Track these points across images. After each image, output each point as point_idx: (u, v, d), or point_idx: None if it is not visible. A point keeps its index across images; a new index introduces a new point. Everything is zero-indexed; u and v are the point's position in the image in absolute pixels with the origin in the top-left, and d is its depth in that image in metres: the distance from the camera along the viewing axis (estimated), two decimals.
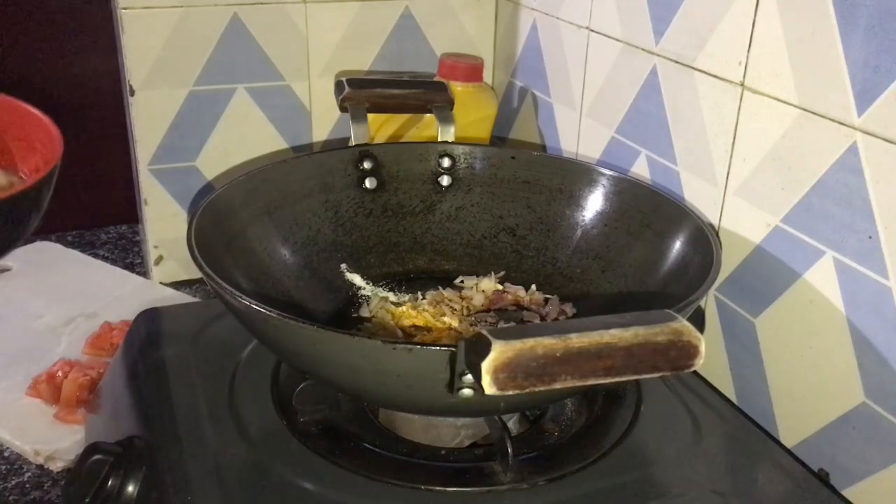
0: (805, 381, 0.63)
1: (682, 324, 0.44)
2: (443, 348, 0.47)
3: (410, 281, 0.78)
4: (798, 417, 0.64)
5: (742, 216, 0.68)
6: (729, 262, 0.69)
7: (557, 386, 0.42)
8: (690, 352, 0.44)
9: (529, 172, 0.79)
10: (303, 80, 0.99)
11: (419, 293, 0.76)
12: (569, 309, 0.73)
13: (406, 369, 0.49)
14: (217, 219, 0.66)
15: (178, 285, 1.01)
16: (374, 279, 0.77)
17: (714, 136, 0.70)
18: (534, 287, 0.76)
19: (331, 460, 0.56)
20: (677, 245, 0.68)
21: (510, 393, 0.41)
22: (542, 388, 0.41)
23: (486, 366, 0.41)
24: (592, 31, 0.85)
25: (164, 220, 0.99)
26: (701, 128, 0.71)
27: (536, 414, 0.64)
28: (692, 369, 0.44)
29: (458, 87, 0.96)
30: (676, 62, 0.73)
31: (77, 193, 1.14)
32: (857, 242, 0.58)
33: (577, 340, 0.42)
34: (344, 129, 0.98)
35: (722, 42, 0.68)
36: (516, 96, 1.04)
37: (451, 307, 0.72)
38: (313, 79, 0.99)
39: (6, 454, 0.74)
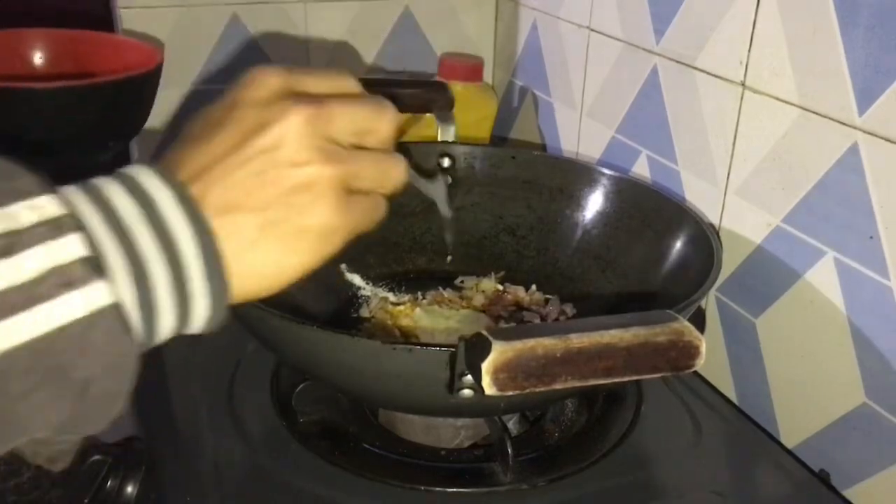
0: (805, 382, 0.63)
1: (683, 324, 0.44)
2: (443, 348, 0.46)
3: (410, 281, 0.78)
4: (798, 418, 0.64)
5: (742, 216, 0.68)
6: (729, 262, 0.68)
7: (557, 386, 0.42)
8: (691, 352, 0.44)
9: (529, 172, 0.79)
10: None
11: (419, 293, 0.75)
12: (569, 309, 0.73)
13: (406, 369, 0.49)
14: None
15: None
16: (373, 279, 0.77)
17: (714, 136, 0.70)
18: (534, 287, 0.76)
19: (331, 460, 0.56)
20: (677, 245, 0.67)
21: (510, 393, 0.41)
22: (542, 389, 0.41)
23: (486, 366, 0.41)
24: (593, 30, 0.85)
25: None
26: (701, 128, 0.71)
27: (536, 414, 0.64)
28: (692, 370, 0.44)
29: (458, 87, 0.96)
30: (677, 62, 0.73)
31: None
32: (857, 242, 0.57)
33: (578, 341, 0.42)
34: None
35: (722, 42, 0.67)
36: (516, 96, 1.04)
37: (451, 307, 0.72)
38: None
39: (5, 454, 0.74)
